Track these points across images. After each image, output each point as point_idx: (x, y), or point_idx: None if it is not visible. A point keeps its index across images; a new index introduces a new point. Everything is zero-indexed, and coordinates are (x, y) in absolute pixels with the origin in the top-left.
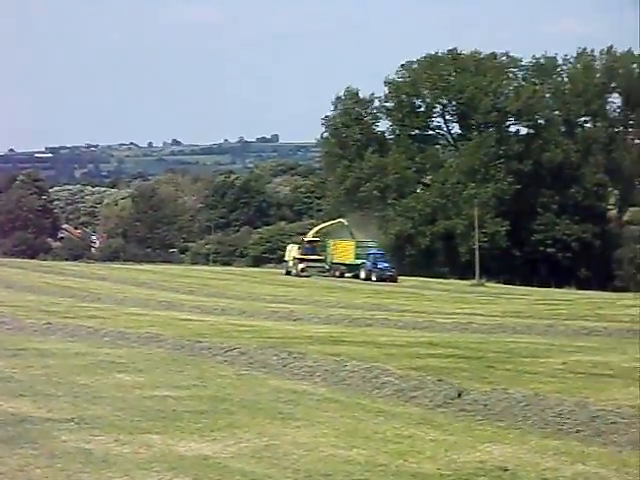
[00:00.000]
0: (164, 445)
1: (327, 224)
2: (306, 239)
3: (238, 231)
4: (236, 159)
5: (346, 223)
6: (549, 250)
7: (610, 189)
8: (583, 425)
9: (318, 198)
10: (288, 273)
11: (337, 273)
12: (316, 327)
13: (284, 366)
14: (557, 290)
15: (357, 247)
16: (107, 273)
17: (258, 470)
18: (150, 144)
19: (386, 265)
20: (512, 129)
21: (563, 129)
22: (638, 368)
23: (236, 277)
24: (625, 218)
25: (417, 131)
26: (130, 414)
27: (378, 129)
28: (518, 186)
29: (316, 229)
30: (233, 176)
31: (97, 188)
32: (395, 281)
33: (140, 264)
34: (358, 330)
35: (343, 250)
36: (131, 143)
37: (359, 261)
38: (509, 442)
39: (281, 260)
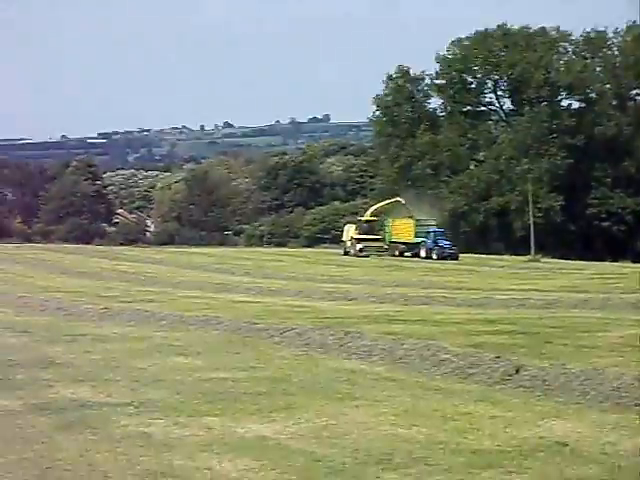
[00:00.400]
0: (223, 427)
1: (384, 203)
2: (363, 219)
3: (292, 212)
4: (288, 140)
5: (403, 201)
6: (604, 224)
7: None
8: None
9: (371, 177)
10: (346, 253)
11: (396, 252)
12: (372, 306)
13: (341, 346)
14: (613, 264)
15: (417, 225)
16: (162, 257)
17: (318, 450)
18: (202, 127)
19: (447, 243)
20: (564, 104)
21: (615, 102)
22: None
23: (291, 258)
24: None
25: (469, 107)
26: (189, 397)
27: (430, 106)
28: (571, 160)
29: (373, 208)
30: (286, 157)
31: (150, 172)
32: (456, 259)
33: (195, 247)
34: (415, 308)
35: (402, 229)
36: (183, 126)
37: (419, 239)
38: (568, 417)
39: (335, 240)
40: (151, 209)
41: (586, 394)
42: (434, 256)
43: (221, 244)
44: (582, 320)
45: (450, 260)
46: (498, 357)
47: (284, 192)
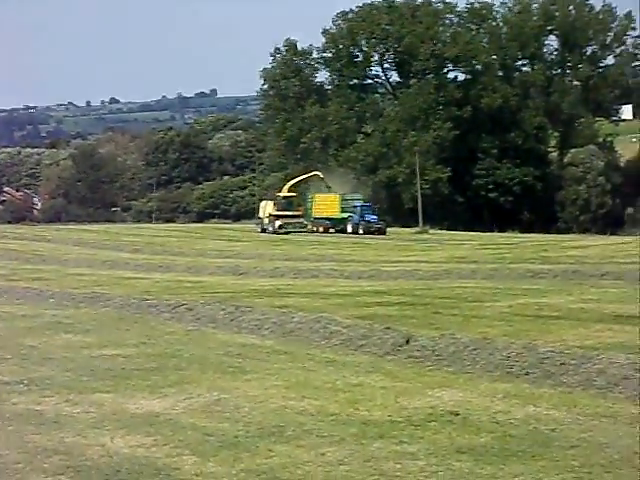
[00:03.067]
0: (115, 404)
1: (302, 177)
2: (281, 194)
3: (180, 187)
4: (175, 115)
5: (321, 175)
6: (491, 195)
7: (550, 131)
8: (532, 367)
9: (259, 151)
10: (263, 231)
11: (320, 229)
12: (262, 280)
13: (232, 320)
14: (501, 234)
15: (342, 200)
16: (50, 234)
17: (210, 425)
18: (88, 103)
19: (374, 217)
20: (450, 76)
21: (500, 74)
22: (585, 309)
23: (180, 234)
24: (566, 160)
25: (356, 81)
26: (79, 374)
27: (317, 80)
28: (458, 132)
29: (291, 183)
30: (173, 132)
31: (36, 149)
32: (384, 233)
33: (83, 224)
34: (304, 282)
35: (326, 204)
36: (69, 103)
37: (345, 215)
38: (459, 387)
39: (224, 215)
40: (38, 187)
41: (476, 363)
42: (360, 231)
43: (109, 221)
44: (471, 290)
45: (378, 235)
46: (388, 328)
47: (172, 167)
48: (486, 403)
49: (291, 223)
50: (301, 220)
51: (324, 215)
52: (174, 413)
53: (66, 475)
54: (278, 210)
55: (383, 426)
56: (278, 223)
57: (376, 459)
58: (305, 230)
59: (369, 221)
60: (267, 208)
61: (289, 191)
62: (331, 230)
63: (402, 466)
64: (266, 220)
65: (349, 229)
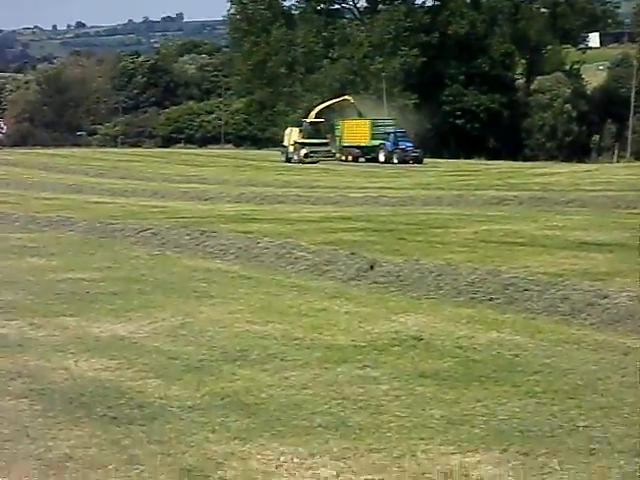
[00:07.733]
0: (79, 327)
1: (330, 102)
2: (307, 120)
3: (146, 112)
4: (141, 39)
5: (352, 100)
6: (458, 121)
7: (517, 58)
8: (496, 293)
9: (225, 76)
10: (288, 160)
11: (350, 157)
12: (228, 206)
13: (197, 245)
14: (467, 161)
15: (373, 126)
16: (16, 158)
17: (174, 348)
18: (54, 27)
19: (409, 145)
20: (418, 1)
21: (469, 0)
22: (549, 236)
23: (145, 158)
24: (532, 87)
25: (323, 5)
26: (44, 298)
27: (285, 4)
28: (425, 59)
29: (318, 109)
30: (139, 58)
31: (2, 73)
32: (421, 162)
33: (49, 148)
34: (270, 207)
35: (356, 131)
36: (35, 27)
37: (377, 142)
38: (423, 312)
39: (189, 140)
40: (4, 111)
41: (440, 289)
42: (395, 160)
43: (75, 145)
44: (436, 217)
45: (414, 164)
46: (353, 254)
47: (138, 92)
48: (450, 328)
49: (318, 151)
50: (328, 148)
51: (354, 143)
52: (138, 337)
53: (29, 398)
54: (304, 137)
55: (347, 351)
56: (304, 151)
57: (339, 383)
58: (333, 158)
59: (404, 149)
60: (292, 135)
61: (316, 117)
62: (361, 159)
63: (365, 390)
64: (291, 148)
65: (381, 158)
